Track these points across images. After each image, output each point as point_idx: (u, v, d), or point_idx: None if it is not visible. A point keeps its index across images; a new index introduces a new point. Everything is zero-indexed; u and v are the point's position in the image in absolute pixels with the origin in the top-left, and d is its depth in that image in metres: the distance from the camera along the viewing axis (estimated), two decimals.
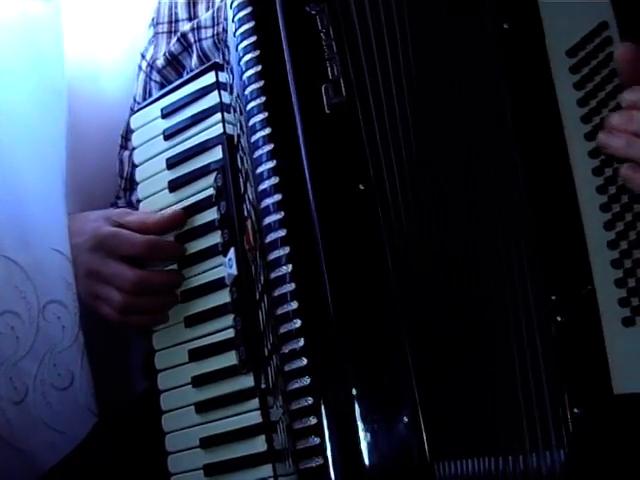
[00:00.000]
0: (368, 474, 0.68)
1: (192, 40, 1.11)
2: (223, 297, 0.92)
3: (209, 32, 1.10)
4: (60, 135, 0.96)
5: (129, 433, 1.06)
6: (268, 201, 0.75)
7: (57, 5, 0.95)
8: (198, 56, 1.11)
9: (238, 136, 0.85)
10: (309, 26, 0.78)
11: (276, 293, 0.74)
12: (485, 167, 0.73)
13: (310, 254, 0.73)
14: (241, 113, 0.85)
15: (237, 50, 0.81)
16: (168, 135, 1.00)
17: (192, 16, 1.15)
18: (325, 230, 0.73)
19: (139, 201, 1.02)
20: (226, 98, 0.95)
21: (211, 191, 0.96)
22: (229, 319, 0.91)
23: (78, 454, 1.00)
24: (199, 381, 0.93)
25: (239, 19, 0.81)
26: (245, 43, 0.80)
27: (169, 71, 1.16)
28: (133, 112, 1.05)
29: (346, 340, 0.70)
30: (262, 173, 0.77)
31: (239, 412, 0.89)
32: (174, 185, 0.99)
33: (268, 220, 0.75)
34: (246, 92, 0.79)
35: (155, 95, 1.04)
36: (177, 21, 1.16)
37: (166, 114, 1.01)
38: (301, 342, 0.71)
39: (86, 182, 1.03)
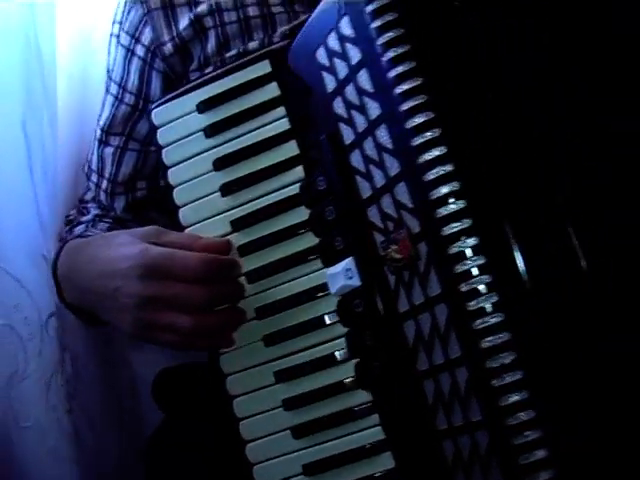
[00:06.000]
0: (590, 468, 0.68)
1: (211, 24, 0.97)
2: (318, 309, 0.85)
3: (233, 16, 0.96)
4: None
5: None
6: (451, 208, 0.70)
7: None
8: (218, 42, 0.97)
9: (360, 134, 0.78)
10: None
11: (471, 306, 0.70)
12: None
13: (510, 268, 0.70)
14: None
15: (376, 44, 0.74)
16: (212, 132, 0.89)
17: None
18: (524, 245, 0.70)
19: (178, 207, 0.90)
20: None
21: (280, 195, 0.87)
22: (328, 332, 0.84)
23: None
24: (293, 403, 0.85)
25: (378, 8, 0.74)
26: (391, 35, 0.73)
27: (176, 60, 1.01)
28: (156, 106, 0.91)
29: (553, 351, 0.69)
30: (433, 180, 0.71)
31: (352, 431, 0.83)
32: (229, 189, 0.88)
33: (449, 230, 0.70)
34: (395, 92, 0.73)
35: (184, 87, 0.90)
36: None
37: (204, 108, 0.89)
38: (512, 356, 0.68)
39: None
